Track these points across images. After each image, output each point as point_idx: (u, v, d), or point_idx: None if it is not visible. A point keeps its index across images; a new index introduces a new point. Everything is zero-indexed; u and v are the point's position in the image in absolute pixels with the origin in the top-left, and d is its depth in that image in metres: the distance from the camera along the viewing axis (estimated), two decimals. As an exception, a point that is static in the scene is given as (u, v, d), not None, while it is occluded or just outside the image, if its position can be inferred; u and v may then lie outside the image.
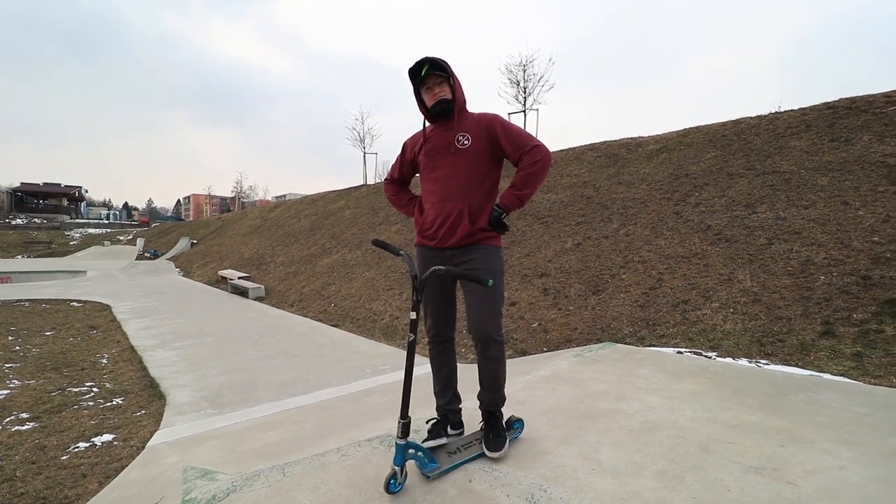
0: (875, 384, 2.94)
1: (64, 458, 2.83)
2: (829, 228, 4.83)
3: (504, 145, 1.98)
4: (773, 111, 8.06)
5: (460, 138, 1.98)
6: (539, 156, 1.91)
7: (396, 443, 1.76)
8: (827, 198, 5.29)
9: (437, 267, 1.81)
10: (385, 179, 2.30)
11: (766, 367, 3.37)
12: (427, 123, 2.10)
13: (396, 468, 1.75)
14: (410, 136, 2.23)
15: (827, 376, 3.09)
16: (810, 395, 2.63)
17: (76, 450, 2.94)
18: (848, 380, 3.02)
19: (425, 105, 2.05)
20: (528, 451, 2.02)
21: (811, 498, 1.62)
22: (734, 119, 8.38)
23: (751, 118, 8.15)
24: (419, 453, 1.82)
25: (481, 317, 1.93)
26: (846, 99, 7.26)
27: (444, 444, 2.03)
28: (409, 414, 1.77)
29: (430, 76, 1.96)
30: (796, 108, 7.84)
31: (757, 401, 2.55)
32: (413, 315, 1.79)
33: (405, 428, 1.75)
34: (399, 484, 1.77)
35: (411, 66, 1.97)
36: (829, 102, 7.43)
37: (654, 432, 2.17)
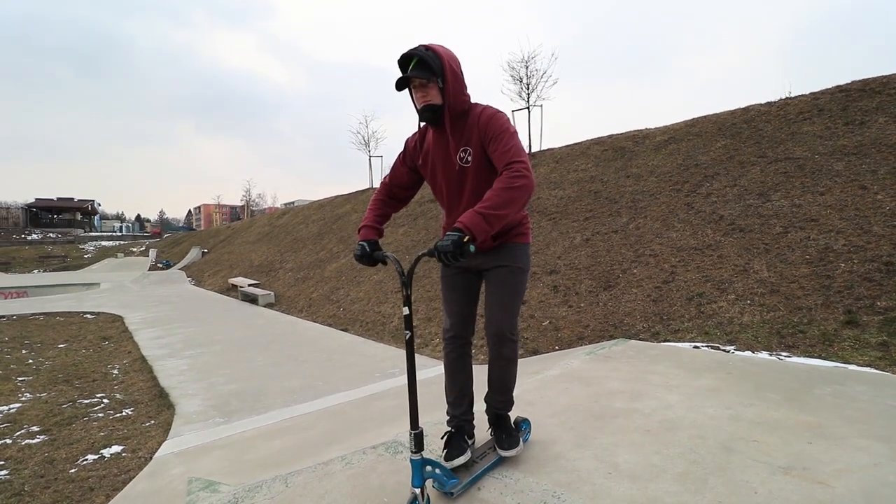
0: (905, 374, 2.80)
1: (72, 471, 2.80)
2: (847, 214, 4.67)
3: (489, 155, 1.72)
4: (784, 97, 7.87)
5: (462, 155, 1.75)
6: (524, 173, 1.58)
7: (412, 460, 1.51)
8: (843, 183, 5.12)
9: (421, 253, 1.61)
10: (383, 180, 2.03)
11: (787, 359, 3.23)
12: (423, 123, 1.83)
13: (416, 491, 1.50)
14: (413, 133, 1.97)
15: (853, 367, 2.96)
16: (837, 388, 2.51)
17: (84, 462, 2.91)
18: (875, 370, 2.88)
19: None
20: (540, 455, 1.93)
21: (846, 499, 1.51)
22: (743, 107, 8.19)
23: (760, 105, 7.95)
24: (437, 470, 1.63)
25: (497, 313, 1.84)
26: (859, 81, 7.05)
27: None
28: (420, 424, 1.56)
29: (415, 75, 1.65)
30: (807, 92, 7.64)
31: (780, 395, 2.43)
32: (406, 311, 1.59)
33: (418, 440, 1.51)
34: None
35: (401, 55, 1.68)
36: (841, 85, 7.21)
37: (673, 432, 2.07)
